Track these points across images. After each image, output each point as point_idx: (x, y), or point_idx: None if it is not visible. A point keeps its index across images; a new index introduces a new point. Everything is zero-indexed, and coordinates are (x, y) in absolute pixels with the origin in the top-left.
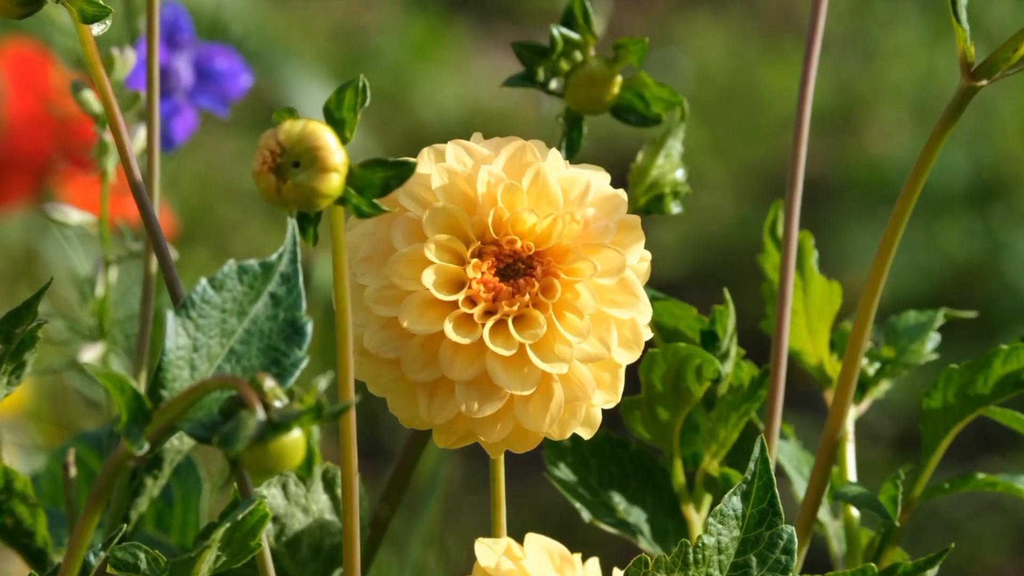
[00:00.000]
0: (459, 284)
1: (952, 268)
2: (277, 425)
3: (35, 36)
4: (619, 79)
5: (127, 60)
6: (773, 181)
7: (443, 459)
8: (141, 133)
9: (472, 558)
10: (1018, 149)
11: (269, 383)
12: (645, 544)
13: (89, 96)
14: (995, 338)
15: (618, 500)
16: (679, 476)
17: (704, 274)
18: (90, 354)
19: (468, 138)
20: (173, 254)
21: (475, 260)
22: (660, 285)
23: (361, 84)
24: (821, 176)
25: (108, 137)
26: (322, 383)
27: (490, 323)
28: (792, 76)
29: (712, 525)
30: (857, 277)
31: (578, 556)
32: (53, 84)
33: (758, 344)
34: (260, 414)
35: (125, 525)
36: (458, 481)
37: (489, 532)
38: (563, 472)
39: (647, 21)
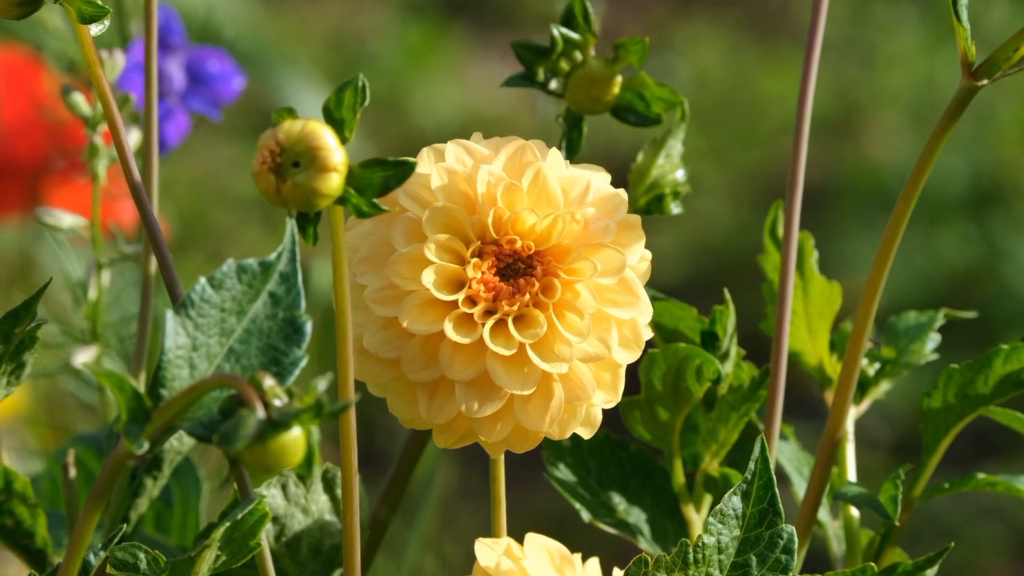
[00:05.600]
0: (459, 284)
1: (950, 274)
2: (277, 423)
3: (26, 42)
4: (619, 79)
5: (117, 62)
6: (770, 187)
7: (439, 464)
8: (134, 135)
9: (469, 562)
10: (1016, 155)
11: (269, 382)
12: (645, 544)
13: (79, 99)
14: (993, 343)
15: (618, 500)
16: (679, 476)
17: (701, 280)
18: (83, 357)
19: None
20: None
21: (475, 260)
22: (657, 291)
23: (361, 84)
24: (819, 181)
25: (98, 140)
26: (321, 385)
27: (490, 323)
28: (789, 81)
29: (712, 525)
30: (854, 282)
31: (578, 556)
32: (45, 89)
33: (756, 349)
34: (260, 412)
35: (125, 525)
36: (454, 488)
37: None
38: (562, 472)
39: (644, 26)
